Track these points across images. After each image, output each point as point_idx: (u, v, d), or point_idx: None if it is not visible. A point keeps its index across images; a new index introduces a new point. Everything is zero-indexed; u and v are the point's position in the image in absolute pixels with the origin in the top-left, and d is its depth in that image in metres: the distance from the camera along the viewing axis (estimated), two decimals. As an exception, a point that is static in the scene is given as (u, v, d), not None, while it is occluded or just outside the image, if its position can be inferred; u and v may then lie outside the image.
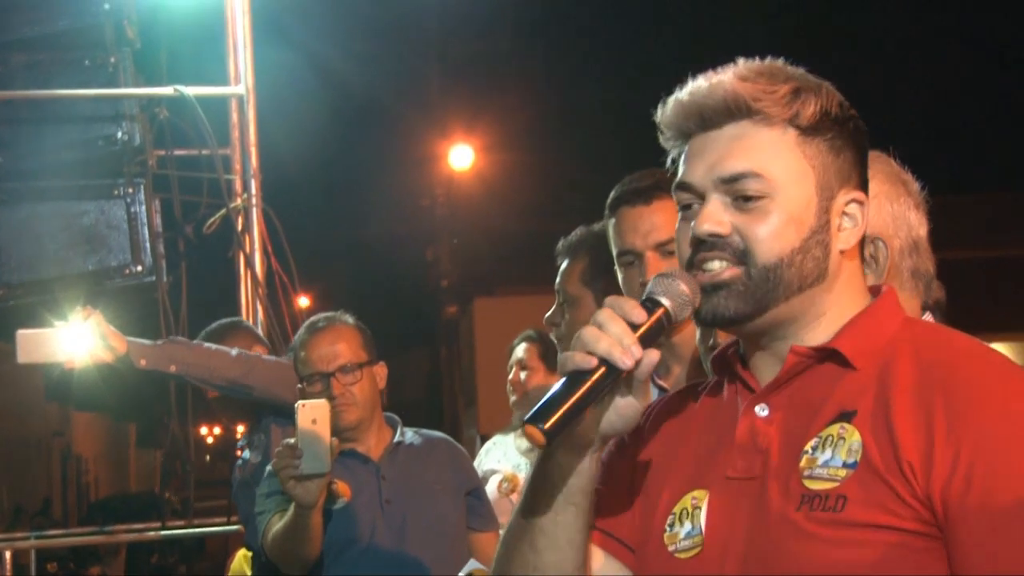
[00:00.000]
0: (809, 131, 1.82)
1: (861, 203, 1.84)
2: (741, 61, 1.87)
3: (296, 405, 3.75)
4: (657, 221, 3.09)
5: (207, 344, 4.69)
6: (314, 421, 3.72)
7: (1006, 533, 1.60)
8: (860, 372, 1.76)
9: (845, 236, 1.83)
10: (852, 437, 1.71)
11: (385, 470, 4.16)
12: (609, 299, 1.82)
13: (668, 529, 1.87)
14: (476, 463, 5.16)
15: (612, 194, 3.21)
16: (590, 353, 1.77)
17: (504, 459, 5.28)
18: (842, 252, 1.83)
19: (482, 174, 21.57)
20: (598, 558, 1.94)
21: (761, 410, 1.82)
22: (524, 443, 5.21)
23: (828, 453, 1.72)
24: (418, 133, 22.00)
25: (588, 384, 1.77)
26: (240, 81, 6.41)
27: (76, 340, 4.34)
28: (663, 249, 3.09)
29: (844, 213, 1.83)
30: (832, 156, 1.82)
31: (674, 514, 1.87)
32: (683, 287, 1.82)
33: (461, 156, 20.62)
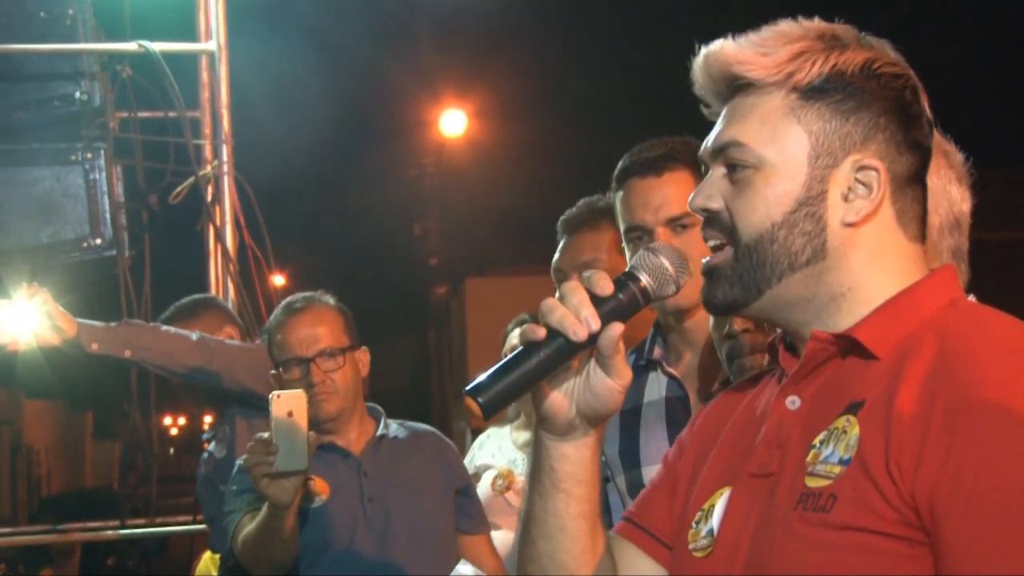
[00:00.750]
0: (810, 94, 1.83)
1: (876, 170, 1.82)
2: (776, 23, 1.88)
3: (270, 396, 3.74)
4: (669, 194, 3.09)
5: (166, 327, 4.68)
6: (290, 413, 3.71)
7: (994, 536, 1.59)
8: (883, 361, 1.76)
9: (855, 207, 1.82)
10: (852, 431, 1.72)
11: (367, 466, 4.16)
12: (586, 272, 1.87)
13: (693, 526, 1.92)
14: (468, 458, 5.16)
15: (620, 164, 3.21)
16: (546, 325, 1.82)
17: (499, 454, 5.28)
18: (850, 225, 1.82)
19: (475, 142, 21.55)
20: (626, 553, 2.00)
21: (791, 403, 1.84)
22: (522, 436, 5.21)
23: (830, 448, 1.73)
24: (405, 96, 22.00)
25: (538, 357, 1.82)
26: (211, 37, 6.40)
27: (20, 320, 4.33)
28: (676, 224, 3.09)
29: (857, 181, 1.82)
30: (839, 120, 1.82)
31: (702, 511, 1.91)
32: (665, 263, 1.88)
33: (453, 122, 20.59)
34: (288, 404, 3.72)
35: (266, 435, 3.72)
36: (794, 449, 1.79)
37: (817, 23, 1.88)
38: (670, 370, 3.22)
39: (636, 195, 3.14)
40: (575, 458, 1.91)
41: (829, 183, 1.81)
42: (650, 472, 3.14)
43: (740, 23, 1.90)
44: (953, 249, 2.32)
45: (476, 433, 5.71)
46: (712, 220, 1.87)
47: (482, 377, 1.83)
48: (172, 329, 4.67)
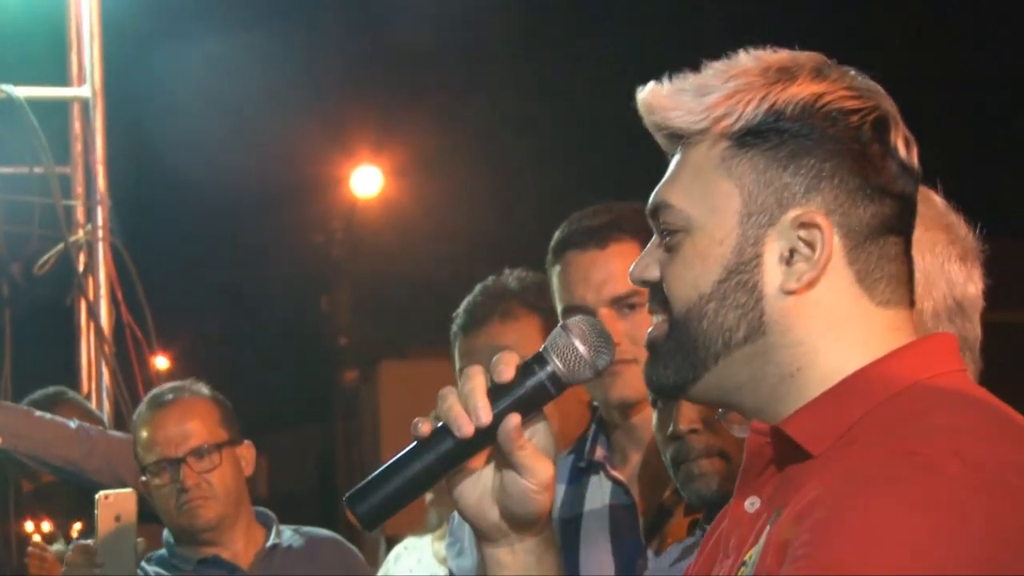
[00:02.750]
0: (743, 142, 1.79)
1: (818, 227, 1.76)
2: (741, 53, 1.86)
3: (97, 497, 3.71)
4: (614, 269, 3.10)
5: (40, 413, 4.64)
6: (118, 517, 3.68)
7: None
8: (820, 459, 1.73)
9: (796, 272, 1.77)
10: (759, 544, 1.71)
11: (258, 581, 4.12)
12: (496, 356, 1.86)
13: None
14: (381, 573, 5.13)
15: (557, 235, 3.21)
16: (437, 417, 1.83)
17: (418, 567, 5.25)
18: (791, 292, 1.77)
19: (392, 203, 21.54)
20: None
21: (751, 504, 1.82)
22: (443, 548, 5.18)
23: (749, 568, 1.72)
24: (312, 150, 21.98)
25: (424, 459, 1.83)
26: (85, 82, 6.37)
27: None
28: (622, 304, 3.10)
29: (800, 240, 1.77)
30: (774, 170, 1.78)
31: None
32: (577, 343, 1.86)
33: (366, 180, 20.57)
34: (116, 507, 3.69)
35: (89, 543, 3.68)
36: (736, 561, 1.77)
37: (771, 54, 1.84)
38: (614, 474, 3.22)
39: (576, 270, 3.14)
40: (513, 565, 1.90)
41: (764, 245, 1.78)
42: (592, 591, 3.13)
43: (678, 68, 1.89)
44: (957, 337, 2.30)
45: (391, 542, 5.68)
46: (652, 293, 1.85)
47: (364, 482, 1.83)
48: (47, 415, 4.63)
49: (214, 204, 20.01)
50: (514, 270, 3.69)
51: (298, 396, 27.74)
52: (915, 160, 1.83)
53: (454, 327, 3.64)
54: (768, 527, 1.71)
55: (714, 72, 1.82)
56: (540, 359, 1.86)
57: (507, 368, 1.84)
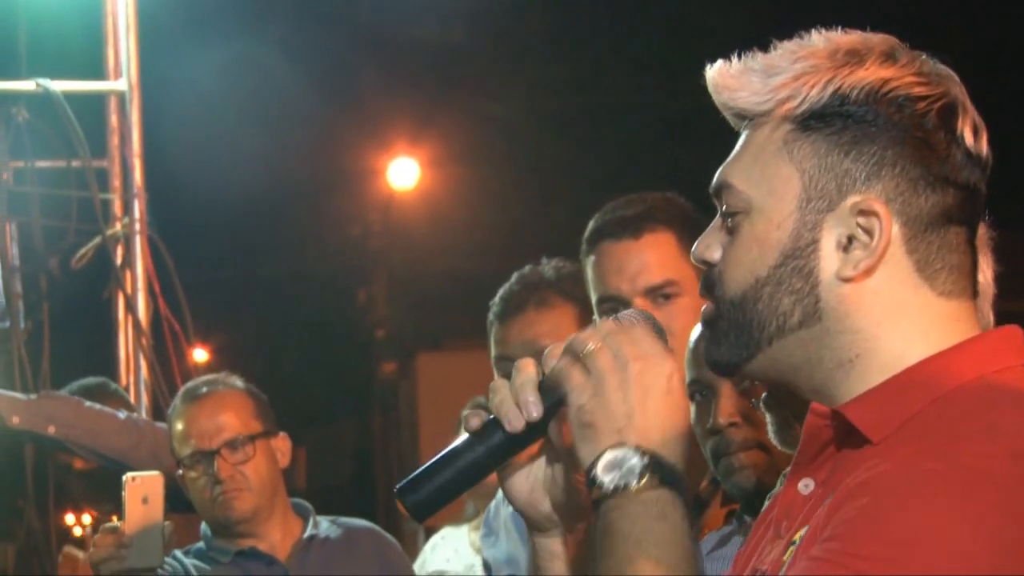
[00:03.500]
0: (806, 125, 1.79)
1: (876, 214, 1.76)
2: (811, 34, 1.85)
3: (124, 478, 3.72)
4: (648, 259, 3.10)
5: (89, 403, 4.68)
6: (145, 500, 3.70)
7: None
8: (879, 447, 1.72)
9: (853, 259, 1.77)
10: (803, 530, 1.72)
11: (296, 572, 4.14)
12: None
13: None
14: (419, 562, 5.15)
15: (591, 225, 3.22)
16: (489, 410, 1.84)
17: (455, 558, 5.28)
18: (848, 280, 1.77)
19: (429, 195, 21.53)
20: None
21: (804, 486, 1.82)
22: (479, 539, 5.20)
23: (795, 548, 1.73)
24: (349, 142, 21.96)
25: (475, 452, 1.85)
26: (121, 75, 6.39)
27: None
28: (656, 294, 3.10)
29: (858, 228, 1.77)
30: (836, 155, 1.78)
31: None
32: None
33: (403, 172, 20.58)
34: (143, 489, 3.70)
35: (117, 525, 3.69)
36: (788, 543, 1.78)
37: (842, 36, 1.83)
38: (650, 466, 3.21)
39: (610, 260, 3.15)
40: (566, 556, 1.92)
41: (821, 231, 1.78)
42: (627, 582, 3.13)
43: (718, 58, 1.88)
44: None
45: (429, 533, 5.71)
46: (708, 272, 1.87)
47: (415, 473, 1.85)
48: (96, 405, 4.67)
49: (250, 197, 20.01)
50: (551, 260, 3.70)
51: (335, 389, 27.74)
52: (983, 148, 1.82)
53: (490, 316, 3.65)
54: (820, 509, 1.72)
55: (783, 53, 1.82)
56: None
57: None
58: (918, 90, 1.78)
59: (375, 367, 25.39)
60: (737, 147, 1.86)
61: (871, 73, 1.78)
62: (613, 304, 3.12)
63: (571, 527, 1.92)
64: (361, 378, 26.47)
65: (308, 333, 26.95)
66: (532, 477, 1.91)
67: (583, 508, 1.88)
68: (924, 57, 1.83)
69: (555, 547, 1.93)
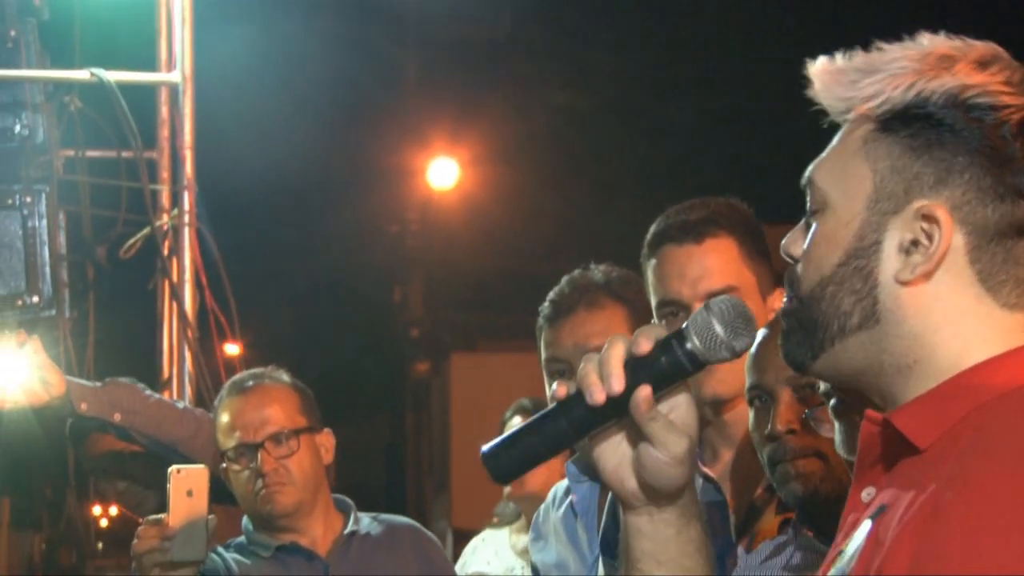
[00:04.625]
0: (886, 126, 1.79)
1: (936, 220, 1.74)
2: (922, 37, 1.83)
3: (170, 471, 3.72)
4: (710, 265, 3.10)
5: (148, 391, 4.69)
6: (190, 493, 3.69)
7: None
8: (926, 454, 1.72)
9: (911, 263, 1.76)
10: (858, 540, 1.71)
11: (336, 568, 4.14)
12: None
13: None
14: (459, 564, 5.15)
15: (653, 228, 3.21)
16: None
17: (495, 560, 5.27)
18: (905, 283, 1.76)
19: (468, 195, 21.56)
20: None
21: (867, 495, 1.81)
22: (521, 541, 5.20)
23: (845, 559, 1.72)
24: (389, 141, 22.02)
25: (558, 422, 1.87)
26: (175, 67, 6.40)
27: (6, 372, 4.31)
28: (716, 300, 3.09)
29: (922, 231, 1.76)
30: (908, 157, 1.77)
31: None
32: (716, 324, 1.87)
33: (442, 172, 20.60)
34: (188, 482, 3.70)
35: (161, 517, 3.69)
36: (836, 549, 1.78)
37: (944, 41, 1.82)
38: (705, 470, 3.21)
39: (672, 264, 3.15)
40: (652, 535, 1.92)
41: (885, 232, 1.77)
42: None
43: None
44: None
45: (458, 534, 5.71)
46: (790, 268, 1.87)
47: (500, 438, 1.89)
48: (155, 395, 4.68)
49: (293, 193, 20.09)
50: (600, 264, 3.70)
51: (369, 387, 27.82)
52: None
53: (540, 319, 3.65)
54: (869, 520, 1.72)
55: (882, 54, 1.82)
56: (680, 336, 1.88)
57: (646, 341, 1.86)
58: (1002, 99, 1.76)
59: (409, 366, 25.46)
60: (831, 144, 1.87)
61: (957, 79, 1.77)
62: (673, 308, 3.12)
63: (659, 507, 1.91)
64: (395, 376, 26.55)
65: (343, 330, 27.02)
66: (620, 452, 1.92)
67: (666, 489, 1.89)
68: (1021, 67, 1.81)
69: (643, 525, 1.93)
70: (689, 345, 1.87)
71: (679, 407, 1.90)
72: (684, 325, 1.88)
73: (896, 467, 1.76)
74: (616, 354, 1.85)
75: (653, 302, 3.19)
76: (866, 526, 1.71)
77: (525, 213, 22.15)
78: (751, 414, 2.84)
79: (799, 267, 1.84)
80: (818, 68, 1.85)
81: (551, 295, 3.64)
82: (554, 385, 1.89)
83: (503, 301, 22.36)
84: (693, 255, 3.12)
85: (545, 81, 21.44)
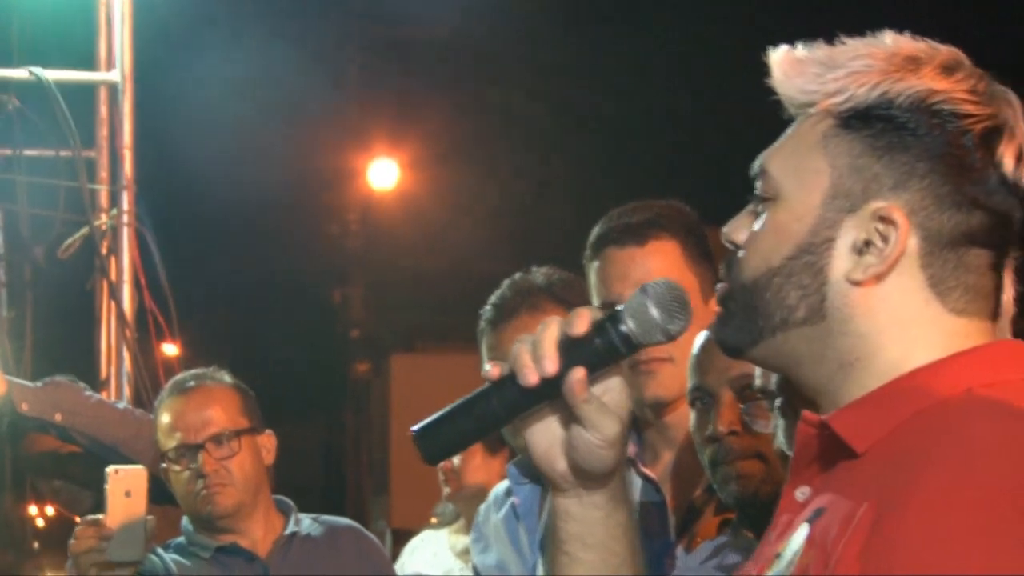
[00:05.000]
0: (848, 123, 1.78)
1: (894, 223, 1.74)
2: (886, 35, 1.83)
3: (107, 471, 3.70)
4: (652, 267, 3.11)
5: (88, 391, 4.67)
6: (128, 493, 3.68)
7: None
8: (864, 458, 1.71)
9: (864, 263, 1.76)
10: (797, 544, 1.70)
11: (276, 570, 4.13)
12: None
13: None
14: (398, 565, 5.13)
15: (596, 230, 3.22)
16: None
17: (434, 560, 5.26)
18: (857, 283, 1.76)
19: (408, 197, 21.53)
20: None
21: (801, 494, 1.81)
22: (461, 542, 5.19)
23: (782, 562, 1.71)
24: (330, 142, 21.95)
25: (490, 403, 1.86)
26: (114, 66, 6.36)
27: None
28: (660, 302, 3.10)
29: (876, 233, 1.75)
30: (868, 157, 1.76)
31: None
32: (653, 308, 1.86)
33: (383, 173, 20.58)
34: (126, 483, 3.68)
35: (99, 517, 3.67)
36: (772, 552, 1.77)
37: (909, 42, 1.82)
38: (645, 471, 3.22)
39: (614, 266, 3.15)
40: (580, 517, 1.91)
41: (839, 230, 1.77)
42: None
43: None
44: None
45: (397, 534, 5.71)
46: (729, 254, 1.86)
47: (431, 418, 1.87)
48: (96, 395, 4.66)
49: (233, 193, 20.00)
50: (541, 267, 3.71)
51: (308, 387, 27.73)
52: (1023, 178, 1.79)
53: (482, 322, 3.65)
54: (806, 524, 1.71)
55: (846, 49, 1.81)
56: (615, 318, 1.87)
57: (581, 323, 1.85)
58: (966, 107, 1.76)
59: (349, 367, 25.37)
60: (784, 134, 1.86)
61: (922, 82, 1.77)
62: (615, 311, 3.12)
63: (588, 490, 1.91)
64: (334, 377, 26.46)
65: (283, 331, 26.93)
66: (551, 434, 1.90)
67: (597, 472, 1.89)
68: (984, 75, 1.81)
69: (571, 508, 1.92)
70: (624, 328, 1.85)
71: (612, 389, 1.89)
72: (619, 307, 1.87)
73: (833, 469, 1.76)
74: (550, 336, 1.84)
75: (596, 304, 3.20)
76: (803, 530, 1.70)
77: (465, 214, 22.15)
78: (692, 415, 2.85)
79: (742, 254, 1.83)
80: (779, 57, 1.85)
81: (493, 299, 3.64)
82: (487, 365, 1.87)
83: (444, 302, 22.33)
84: (636, 257, 3.13)
85: (484, 81, 21.43)
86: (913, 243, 1.76)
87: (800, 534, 1.70)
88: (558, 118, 21.61)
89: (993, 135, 1.77)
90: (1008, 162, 1.78)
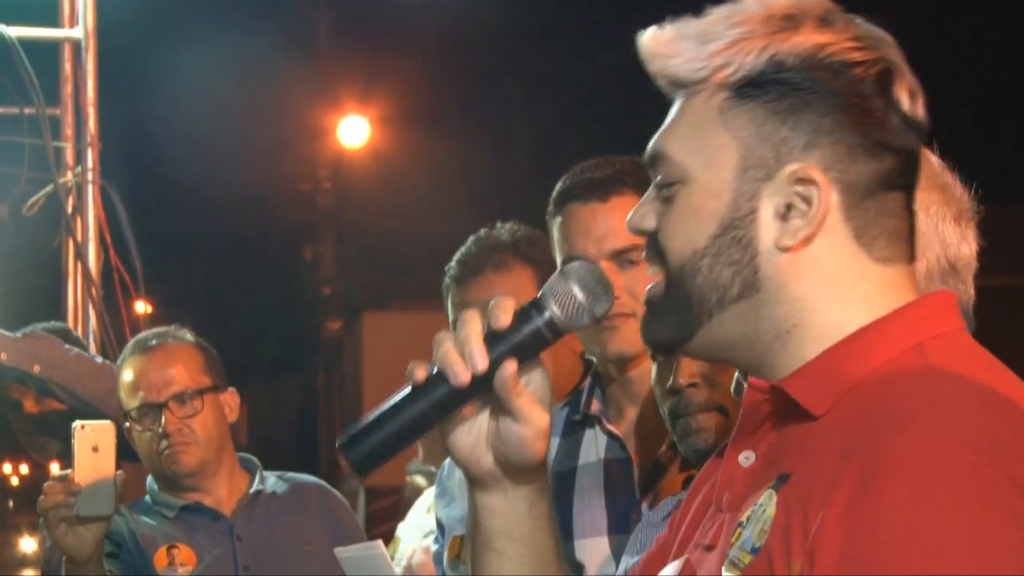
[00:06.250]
0: (742, 93, 1.76)
1: (815, 183, 1.73)
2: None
3: (74, 426, 3.69)
4: (615, 223, 3.09)
5: (67, 345, 4.66)
6: (96, 448, 3.67)
7: None
8: (823, 421, 1.71)
9: (791, 228, 1.74)
10: (768, 512, 1.68)
11: (241, 528, 4.13)
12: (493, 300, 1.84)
13: None
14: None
15: (559, 186, 3.21)
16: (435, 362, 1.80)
17: (426, 518, 5.24)
18: (787, 249, 1.74)
19: (379, 154, 21.50)
20: None
21: (745, 458, 1.80)
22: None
23: (749, 530, 1.69)
24: (300, 99, 21.89)
25: (419, 405, 1.81)
26: (77, 23, 6.33)
27: None
28: (622, 258, 3.09)
29: (797, 196, 1.74)
30: (773, 123, 1.75)
31: None
32: (576, 291, 1.83)
33: (353, 130, 20.54)
34: (93, 438, 3.67)
35: (67, 473, 3.66)
36: (733, 519, 1.75)
37: (777, 0, 1.80)
38: (610, 427, 3.21)
39: (576, 222, 3.14)
40: (506, 512, 1.89)
41: (760, 200, 1.75)
42: (584, 546, 3.12)
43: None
44: None
45: (371, 492, 5.68)
46: (649, 243, 1.83)
47: (358, 428, 1.81)
48: (74, 349, 4.65)
49: (201, 151, 19.94)
50: (507, 223, 3.69)
51: (280, 346, 27.73)
52: (920, 112, 1.80)
53: (447, 279, 3.63)
54: (772, 491, 1.69)
55: (717, 18, 1.79)
56: (538, 304, 1.83)
57: (504, 314, 1.82)
58: (854, 55, 1.75)
59: (321, 325, 25.36)
60: (671, 116, 1.83)
61: (807, 39, 1.75)
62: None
63: (514, 484, 1.89)
64: (306, 335, 26.44)
65: (254, 289, 26.91)
66: (476, 431, 1.88)
67: (527, 464, 1.87)
68: (859, 20, 1.81)
69: (496, 503, 1.90)
70: (548, 313, 1.82)
71: (536, 380, 1.86)
72: (540, 293, 1.84)
73: (783, 435, 1.75)
74: (475, 331, 1.80)
75: (558, 259, 3.18)
76: (770, 496, 1.69)
77: (438, 172, 22.13)
78: (653, 369, 2.84)
79: (662, 241, 1.80)
80: (651, 39, 1.82)
81: (457, 255, 3.63)
82: (410, 366, 1.83)
83: (415, 261, 22.30)
84: (598, 213, 3.11)
85: (454, 40, 21.39)
86: (834, 198, 1.75)
87: (768, 501, 1.69)
88: (534, 72, 21.61)
89: (886, 78, 1.77)
90: (905, 100, 1.78)
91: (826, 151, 1.74)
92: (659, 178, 1.81)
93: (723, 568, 1.69)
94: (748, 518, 1.70)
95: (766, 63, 1.74)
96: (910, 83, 1.79)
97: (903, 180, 1.79)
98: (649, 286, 1.84)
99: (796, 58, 1.74)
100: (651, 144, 1.83)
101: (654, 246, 1.81)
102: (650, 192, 1.83)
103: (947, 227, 2.31)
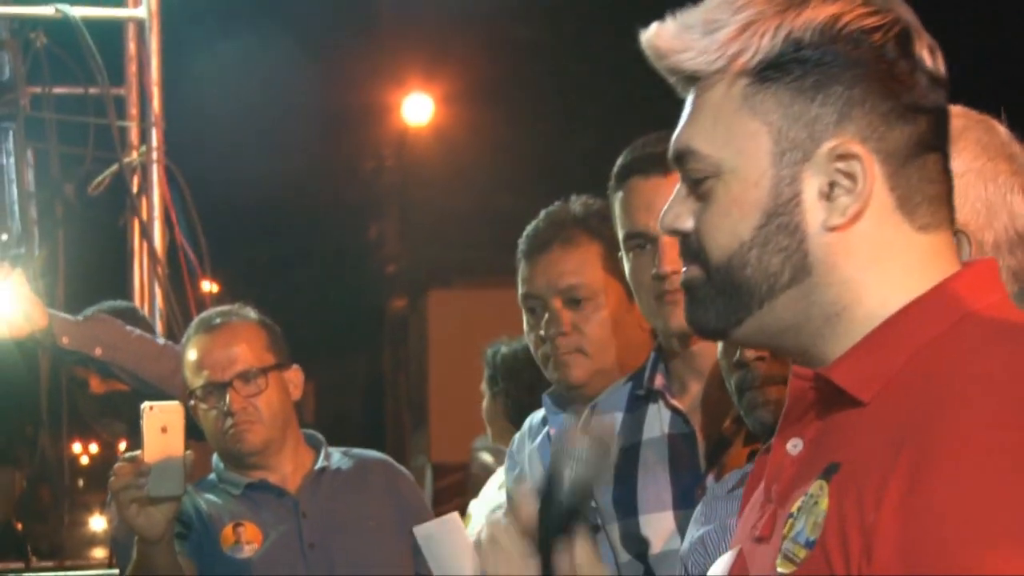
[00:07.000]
0: (763, 76, 1.72)
1: (856, 156, 1.70)
2: None
3: (142, 407, 3.71)
4: None
5: (129, 327, 4.69)
6: (164, 429, 3.68)
7: None
8: (870, 407, 1.68)
9: (840, 206, 1.71)
10: (821, 504, 1.65)
11: (306, 505, 4.14)
12: None
13: None
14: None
15: (620, 160, 3.20)
16: None
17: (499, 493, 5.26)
18: (835, 228, 1.71)
19: (443, 132, 21.51)
20: None
21: (793, 447, 1.77)
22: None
23: (801, 522, 1.67)
24: (363, 77, 21.91)
25: None
26: (141, 3, 6.37)
27: None
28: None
29: (838, 173, 1.71)
30: (801, 102, 1.71)
31: None
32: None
33: (417, 108, 20.57)
34: (163, 418, 3.68)
35: (136, 454, 3.68)
36: (783, 509, 1.73)
37: None
38: (674, 402, 3.20)
39: (639, 196, 3.13)
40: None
41: (801, 183, 1.71)
42: (649, 521, 3.12)
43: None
44: (1015, 269, 2.27)
45: (437, 469, 5.70)
46: (685, 243, 1.80)
47: None
48: (136, 330, 4.67)
49: (265, 129, 20.00)
50: (580, 196, 3.69)
51: (346, 323, 27.78)
52: (942, 68, 1.76)
53: (518, 253, 3.65)
54: (822, 481, 1.66)
55: (720, 4, 1.75)
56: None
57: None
58: (870, 21, 1.71)
59: (386, 303, 25.45)
60: (688, 111, 1.79)
61: (818, 12, 1.71)
62: (640, 240, 3.10)
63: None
64: (372, 313, 26.53)
65: (320, 267, 26.99)
66: None
67: None
68: None
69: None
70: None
71: None
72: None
73: (831, 422, 1.73)
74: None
75: (620, 234, 3.18)
76: (821, 488, 1.66)
77: (501, 150, 22.09)
78: (720, 343, 2.83)
79: (699, 239, 1.77)
80: (656, 36, 1.79)
81: (528, 229, 3.64)
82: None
83: (480, 238, 22.31)
84: (660, 187, 3.10)
85: (516, 17, 21.35)
86: (876, 169, 1.71)
87: (820, 492, 1.66)
88: (600, 49, 21.53)
89: (906, 38, 1.73)
90: (927, 58, 1.74)
91: (860, 122, 1.70)
92: (690, 175, 1.78)
93: (777, 562, 1.67)
94: (799, 509, 1.68)
95: (783, 43, 1.71)
96: (927, 40, 1.75)
97: (938, 140, 1.75)
98: (684, 270, 1.81)
99: (813, 33, 1.70)
100: (674, 142, 1.80)
101: (692, 245, 1.78)
102: (680, 190, 1.80)
103: (1015, 197, 2.28)
